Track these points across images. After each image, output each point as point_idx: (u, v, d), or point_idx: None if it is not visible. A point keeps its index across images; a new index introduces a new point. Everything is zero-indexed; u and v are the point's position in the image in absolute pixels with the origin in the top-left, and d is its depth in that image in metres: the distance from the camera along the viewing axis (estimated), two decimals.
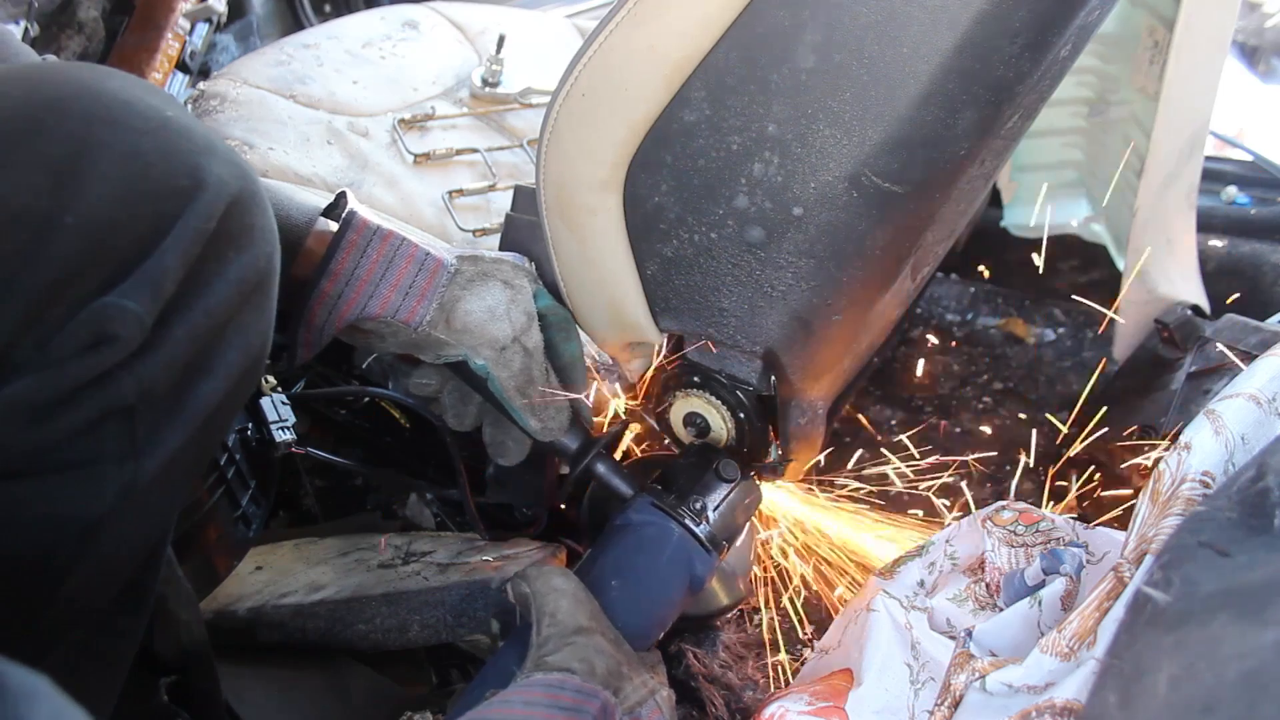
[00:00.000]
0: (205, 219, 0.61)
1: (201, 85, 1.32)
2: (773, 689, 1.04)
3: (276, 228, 0.68)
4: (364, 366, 1.13)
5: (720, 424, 0.99)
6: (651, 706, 0.79)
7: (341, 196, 0.87)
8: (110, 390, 0.60)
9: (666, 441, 1.07)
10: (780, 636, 1.10)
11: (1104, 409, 1.25)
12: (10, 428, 0.58)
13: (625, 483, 0.96)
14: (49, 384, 0.58)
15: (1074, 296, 1.43)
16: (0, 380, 0.57)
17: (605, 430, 1.04)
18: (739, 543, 0.98)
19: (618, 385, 1.05)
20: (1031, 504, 0.96)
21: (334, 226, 0.84)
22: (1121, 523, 0.80)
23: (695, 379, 0.97)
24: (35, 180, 0.57)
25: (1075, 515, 1.02)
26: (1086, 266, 1.68)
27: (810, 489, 1.15)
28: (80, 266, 0.58)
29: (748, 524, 1.00)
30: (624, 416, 1.06)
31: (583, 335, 0.99)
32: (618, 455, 1.07)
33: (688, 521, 0.90)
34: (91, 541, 0.63)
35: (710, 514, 0.92)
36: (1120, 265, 1.49)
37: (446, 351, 0.87)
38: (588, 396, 0.97)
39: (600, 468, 0.96)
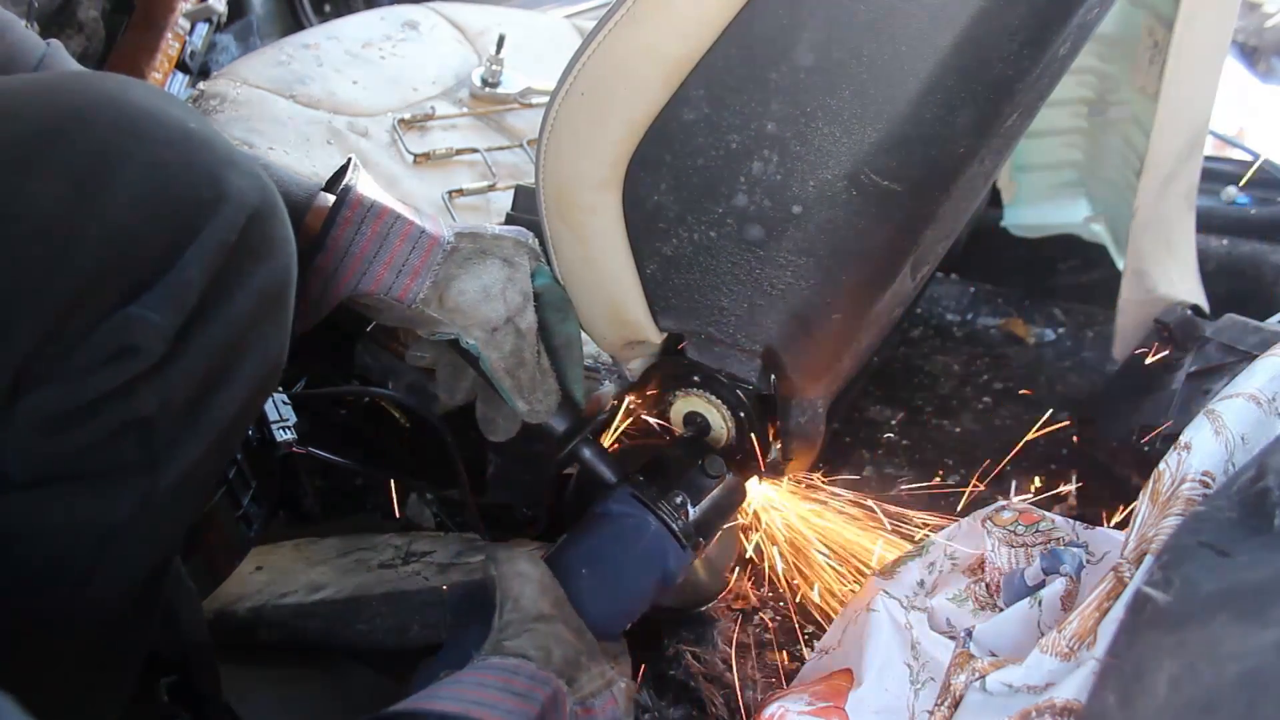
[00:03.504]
0: (227, 231, 0.61)
1: (201, 85, 1.32)
2: (773, 689, 1.04)
3: (294, 239, 0.69)
4: (363, 362, 1.13)
5: (720, 423, 0.99)
6: (606, 697, 0.80)
7: (349, 163, 0.87)
8: (131, 402, 0.60)
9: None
10: (780, 636, 1.10)
11: (1104, 409, 1.25)
12: (31, 437, 0.58)
13: (610, 470, 0.95)
14: (70, 394, 0.58)
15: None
16: (22, 389, 0.57)
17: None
18: (724, 534, 0.98)
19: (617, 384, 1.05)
20: (1031, 504, 0.96)
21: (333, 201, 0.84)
22: (1121, 523, 0.80)
23: (695, 378, 0.97)
24: (59, 190, 0.57)
25: (1075, 515, 1.02)
26: (1086, 266, 1.68)
27: (809, 488, 1.15)
28: (103, 277, 0.58)
29: (732, 520, 1.00)
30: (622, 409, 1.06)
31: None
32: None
33: (666, 516, 0.90)
34: (108, 550, 0.63)
35: (690, 510, 0.91)
36: (1120, 265, 1.49)
37: (439, 329, 0.87)
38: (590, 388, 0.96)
39: (586, 452, 0.95)
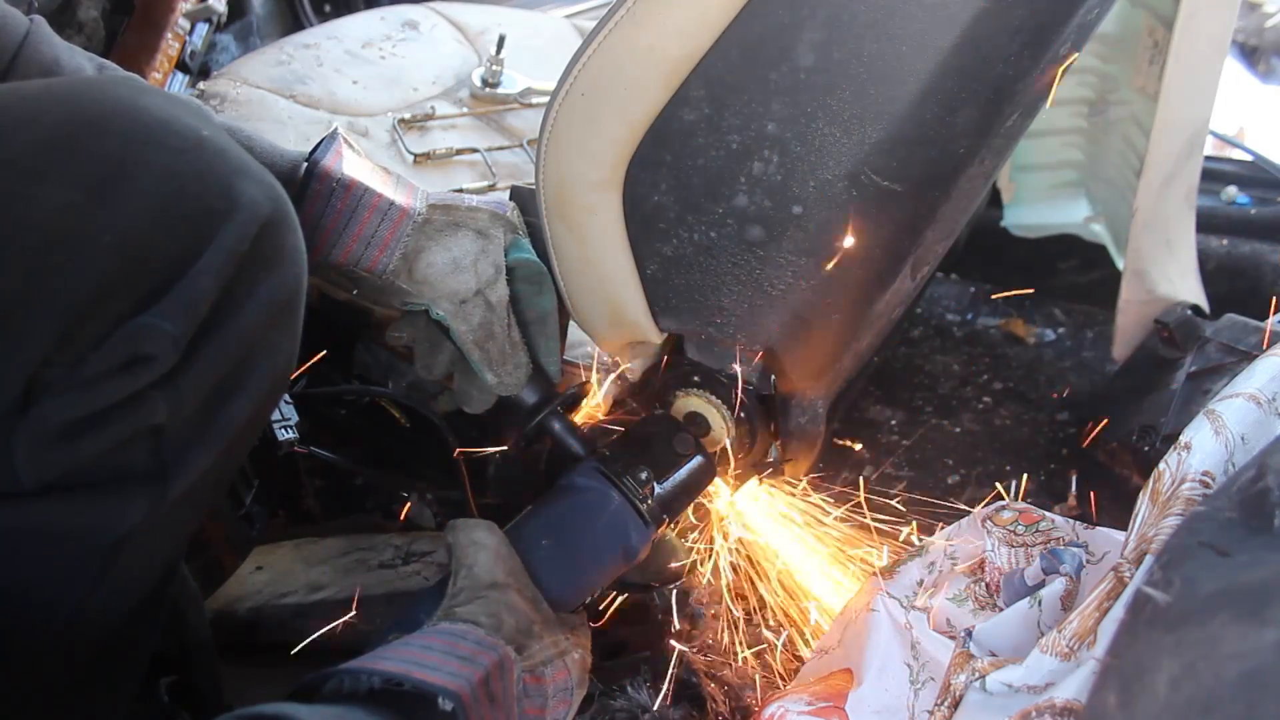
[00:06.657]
0: (239, 240, 0.61)
1: (201, 85, 1.33)
2: (773, 689, 1.04)
3: (305, 247, 0.69)
4: (363, 362, 1.13)
5: (720, 423, 0.99)
6: (559, 667, 0.80)
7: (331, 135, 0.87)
8: (142, 410, 0.60)
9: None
10: (780, 637, 1.10)
11: (1104, 409, 1.25)
12: (41, 445, 0.58)
13: (579, 444, 0.95)
14: (82, 403, 0.58)
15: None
16: (33, 397, 0.57)
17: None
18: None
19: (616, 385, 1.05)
20: (1031, 504, 0.96)
21: None
22: (1121, 523, 0.80)
23: (695, 378, 0.97)
24: (73, 197, 0.57)
25: (1075, 515, 1.02)
26: (1086, 266, 1.68)
27: (807, 489, 1.15)
28: (115, 285, 0.58)
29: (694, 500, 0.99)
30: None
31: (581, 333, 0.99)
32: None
33: (629, 491, 0.90)
34: (116, 558, 0.63)
35: (655, 487, 0.91)
36: (1120, 265, 1.49)
37: (410, 300, 0.87)
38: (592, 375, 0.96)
39: (556, 426, 0.95)
